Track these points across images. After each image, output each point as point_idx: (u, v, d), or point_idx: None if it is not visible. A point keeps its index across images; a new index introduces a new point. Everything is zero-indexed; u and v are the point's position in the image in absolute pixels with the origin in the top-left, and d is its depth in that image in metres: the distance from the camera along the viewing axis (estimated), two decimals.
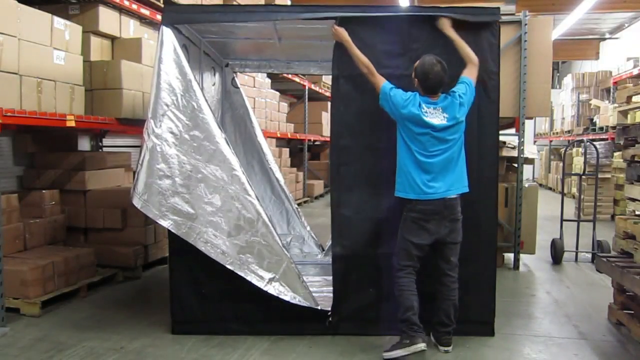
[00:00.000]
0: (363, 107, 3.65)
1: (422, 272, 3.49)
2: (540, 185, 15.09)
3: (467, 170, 3.66)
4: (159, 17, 5.50)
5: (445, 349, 3.50)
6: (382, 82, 3.43)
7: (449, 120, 3.35)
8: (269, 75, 9.96)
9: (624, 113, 7.90)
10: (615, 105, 9.66)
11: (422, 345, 3.30)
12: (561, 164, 8.57)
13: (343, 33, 3.51)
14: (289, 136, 11.25)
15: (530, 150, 6.44)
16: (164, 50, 3.54)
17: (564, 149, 8.73)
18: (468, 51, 3.51)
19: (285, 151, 11.05)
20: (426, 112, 3.34)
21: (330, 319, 3.70)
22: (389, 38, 3.61)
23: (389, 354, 3.35)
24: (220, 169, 3.55)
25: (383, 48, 3.61)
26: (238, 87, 5.77)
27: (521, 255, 5.75)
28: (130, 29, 5.43)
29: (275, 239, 3.58)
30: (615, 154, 9.45)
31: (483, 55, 3.62)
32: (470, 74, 3.48)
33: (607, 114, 10.37)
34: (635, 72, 10.14)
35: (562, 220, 6.26)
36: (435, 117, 3.34)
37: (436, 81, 3.36)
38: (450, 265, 3.50)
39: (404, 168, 3.39)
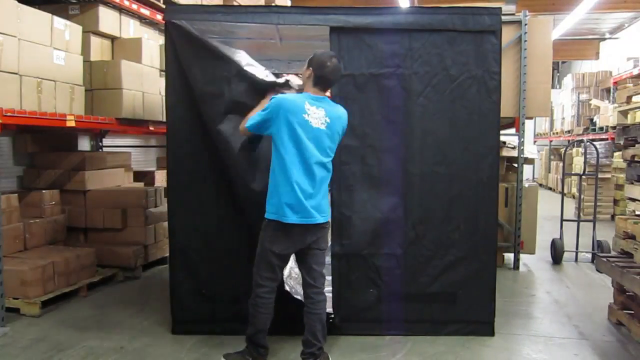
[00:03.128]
0: (364, 106, 3.65)
1: None
2: (540, 185, 15.09)
3: (468, 170, 3.67)
4: (159, 17, 5.51)
5: None
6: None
7: (328, 126, 3.07)
8: None
9: (624, 113, 7.90)
10: (615, 105, 9.66)
11: None
12: (561, 164, 8.57)
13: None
14: None
15: (530, 150, 6.44)
16: (171, 50, 3.59)
17: (564, 149, 8.72)
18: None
19: None
20: (308, 110, 3.03)
21: (330, 319, 3.71)
22: (389, 38, 3.61)
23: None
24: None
25: (384, 47, 3.61)
26: None
27: (521, 255, 5.75)
28: (130, 29, 5.43)
29: None
30: (615, 154, 9.45)
31: (485, 56, 3.62)
32: None
33: (607, 114, 10.36)
34: (635, 72, 10.13)
35: (562, 220, 6.26)
36: (316, 120, 3.05)
37: (336, 73, 3.12)
38: (314, 275, 3.21)
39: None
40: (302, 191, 3.00)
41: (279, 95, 3.14)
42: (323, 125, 3.05)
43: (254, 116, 3.13)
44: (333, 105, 3.18)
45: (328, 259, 3.93)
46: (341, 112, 3.20)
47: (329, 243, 3.39)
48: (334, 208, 3.68)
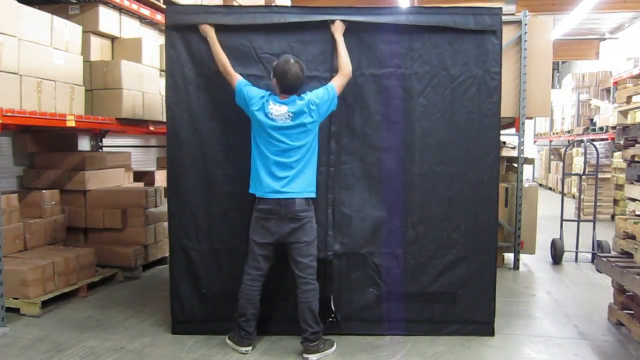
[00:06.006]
0: (364, 106, 3.65)
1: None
2: (540, 185, 15.09)
3: (468, 170, 3.67)
4: (159, 17, 5.51)
5: (305, 356, 3.37)
6: (237, 80, 3.42)
7: (293, 120, 3.31)
8: None
9: (624, 113, 7.90)
10: (615, 105, 9.65)
11: (242, 350, 3.45)
12: (561, 164, 8.57)
13: (208, 30, 3.52)
14: None
15: (530, 150, 6.45)
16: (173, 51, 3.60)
17: (564, 149, 8.72)
18: (344, 60, 3.45)
19: None
20: (271, 109, 3.31)
21: (330, 318, 3.71)
22: (390, 38, 3.61)
23: (227, 339, 3.56)
24: None
25: (384, 47, 3.61)
26: None
27: (521, 255, 5.75)
28: (131, 29, 5.43)
29: None
30: (615, 154, 9.45)
31: (485, 56, 3.62)
32: (336, 82, 3.43)
33: (607, 114, 10.36)
34: (635, 72, 10.12)
35: (562, 220, 6.26)
36: (280, 116, 3.31)
37: (294, 81, 3.31)
38: (300, 266, 3.40)
39: (253, 165, 3.40)
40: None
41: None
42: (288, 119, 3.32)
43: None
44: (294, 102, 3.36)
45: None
46: (297, 104, 3.34)
47: (313, 236, 3.44)
48: (333, 206, 3.69)
